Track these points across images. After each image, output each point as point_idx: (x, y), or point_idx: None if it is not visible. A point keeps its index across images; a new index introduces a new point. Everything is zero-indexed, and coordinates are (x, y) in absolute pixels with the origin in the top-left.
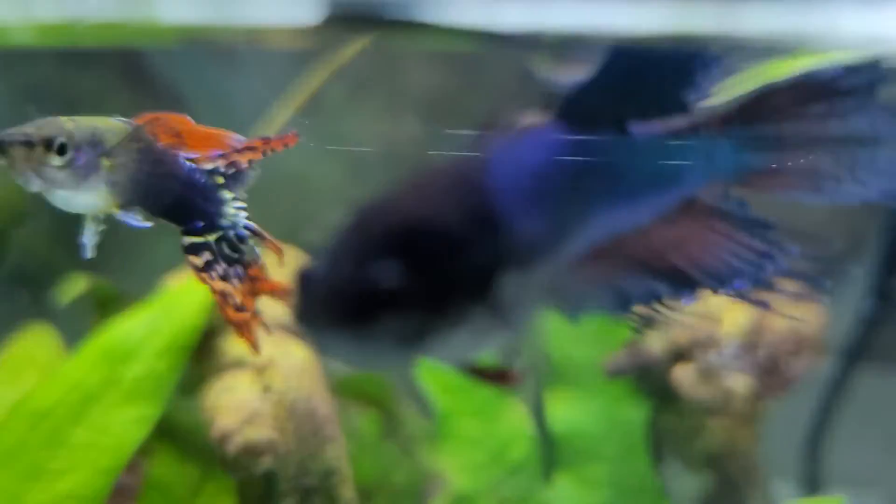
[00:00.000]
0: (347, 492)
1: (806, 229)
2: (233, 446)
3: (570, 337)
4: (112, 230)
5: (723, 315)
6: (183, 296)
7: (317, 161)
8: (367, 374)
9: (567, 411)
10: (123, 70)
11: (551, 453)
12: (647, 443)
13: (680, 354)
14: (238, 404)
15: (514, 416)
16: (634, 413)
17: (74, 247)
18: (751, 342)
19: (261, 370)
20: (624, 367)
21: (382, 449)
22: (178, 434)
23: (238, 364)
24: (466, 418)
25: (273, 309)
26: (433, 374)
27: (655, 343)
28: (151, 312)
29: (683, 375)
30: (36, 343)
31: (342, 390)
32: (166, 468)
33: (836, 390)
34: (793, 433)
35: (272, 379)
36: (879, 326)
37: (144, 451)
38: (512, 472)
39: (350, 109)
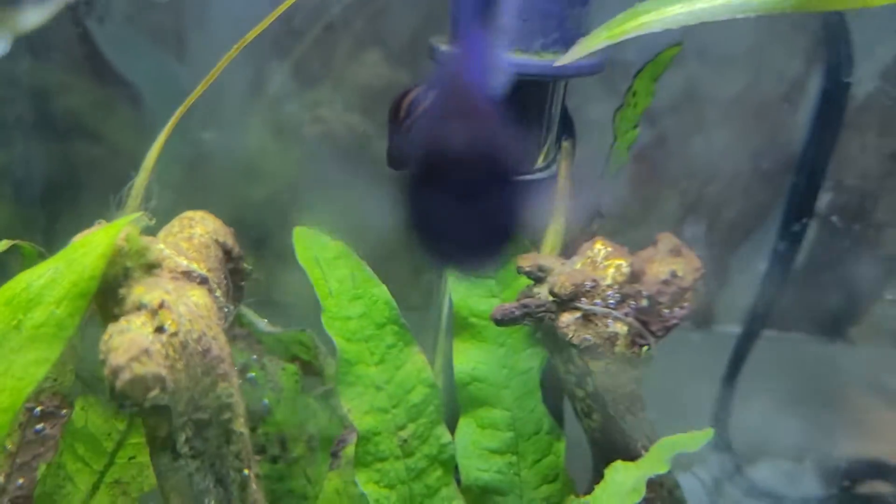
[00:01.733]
0: (240, 426)
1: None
2: (120, 381)
3: (472, 290)
4: None
5: (605, 265)
6: (83, 247)
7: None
8: (292, 334)
9: (470, 361)
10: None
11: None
12: (543, 388)
13: (566, 303)
14: (129, 343)
15: (414, 365)
16: (531, 361)
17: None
18: (632, 290)
19: (154, 312)
20: (511, 314)
21: (301, 401)
22: (102, 387)
23: (135, 309)
24: (370, 367)
25: (178, 255)
26: (338, 327)
27: (543, 293)
28: (53, 263)
29: (568, 322)
30: None
31: (268, 348)
32: (90, 420)
33: (739, 354)
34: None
35: (165, 320)
36: (779, 291)
37: (69, 403)
38: (412, 414)
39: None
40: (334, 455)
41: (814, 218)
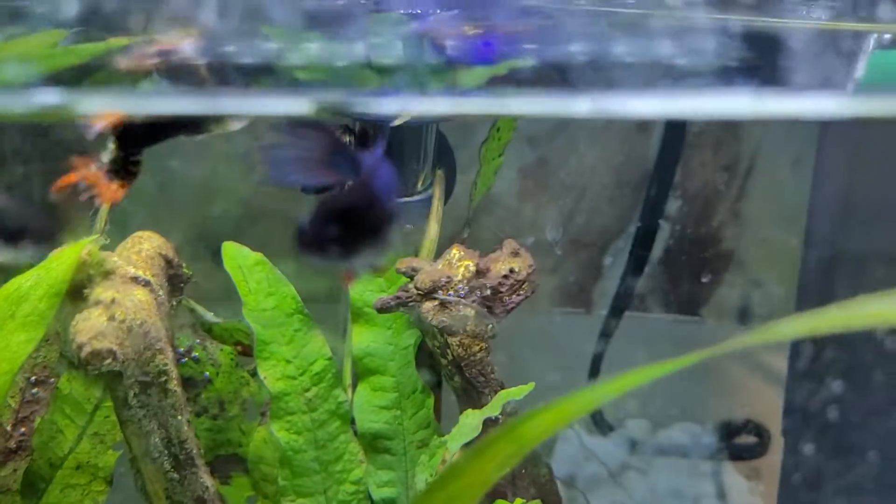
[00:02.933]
0: (174, 386)
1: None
2: (83, 352)
3: (367, 287)
4: None
5: (458, 265)
6: (57, 260)
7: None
8: (235, 324)
9: (364, 340)
10: None
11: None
12: (417, 360)
13: (426, 294)
14: (90, 327)
15: (315, 344)
16: (410, 340)
17: None
18: (478, 283)
19: (108, 306)
20: (388, 304)
21: (236, 374)
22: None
23: (95, 304)
24: (281, 346)
25: (127, 265)
26: (256, 316)
27: (411, 287)
28: (36, 271)
29: (428, 309)
30: None
31: (216, 335)
32: (74, 388)
33: (606, 332)
34: None
35: (116, 311)
36: (633, 282)
37: (56, 374)
38: (315, 380)
39: None
40: (262, 414)
41: (666, 220)
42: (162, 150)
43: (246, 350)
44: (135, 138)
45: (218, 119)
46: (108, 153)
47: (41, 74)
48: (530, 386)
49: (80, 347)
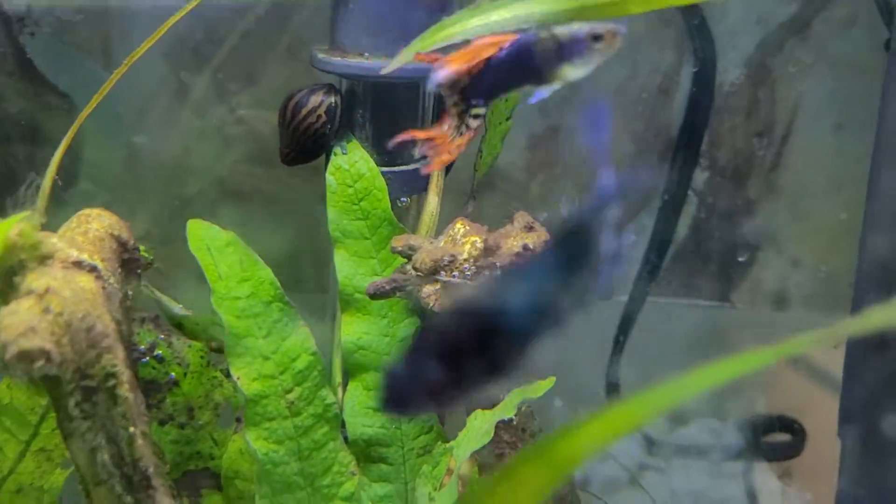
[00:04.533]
0: (125, 392)
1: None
2: (9, 354)
3: (357, 270)
4: None
5: (463, 242)
6: None
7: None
8: (208, 317)
9: (356, 332)
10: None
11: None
12: None
13: (427, 276)
14: (17, 322)
15: (298, 337)
16: (408, 330)
17: None
18: (486, 262)
19: (41, 296)
20: (383, 288)
21: (207, 374)
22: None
23: (26, 293)
24: (258, 339)
25: (70, 248)
26: (227, 306)
27: (409, 268)
28: None
29: (429, 293)
30: None
31: (187, 331)
32: (15, 396)
33: (626, 320)
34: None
35: (51, 302)
36: (657, 263)
37: None
38: (298, 379)
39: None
40: (238, 420)
41: (693, 193)
42: (128, 122)
43: (221, 347)
44: (480, 87)
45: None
46: (452, 104)
47: None
48: (550, 382)
49: (4, 347)
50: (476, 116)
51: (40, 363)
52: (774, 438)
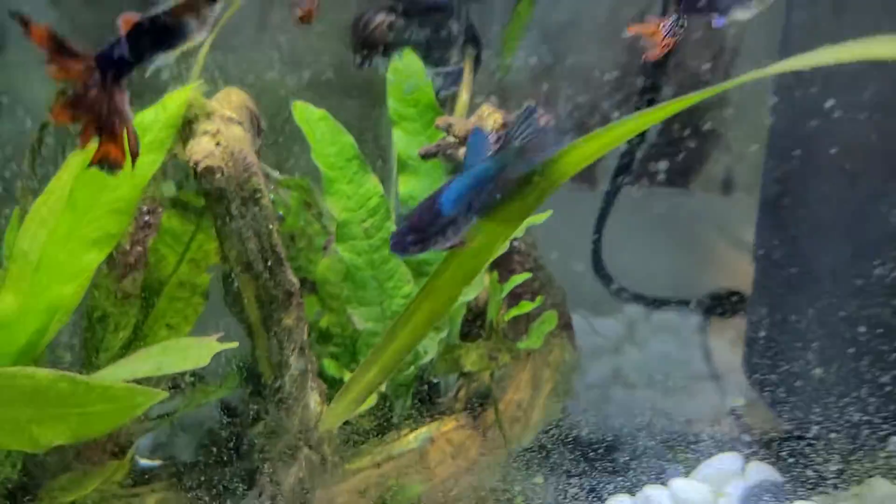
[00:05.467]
0: (266, 202)
1: None
2: (199, 167)
3: (410, 143)
4: None
5: (487, 118)
6: (171, 100)
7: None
8: (293, 179)
9: (409, 187)
10: None
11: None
12: None
13: (463, 140)
14: (203, 149)
15: (371, 184)
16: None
17: None
18: (502, 132)
19: (213, 135)
20: (431, 151)
21: (303, 214)
22: (178, 202)
23: (203, 133)
24: (343, 183)
25: (222, 109)
26: (322, 160)
27: (450, 138)
28: (155, 108)
29: (464, 152)
30: None
31: (283, 184)
32: (173, 223)
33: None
34: None
35: (220, 139)
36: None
37: (160, 211)
38: (370, 213)
39: None
40: (324, 248)
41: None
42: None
43: (308, 201)
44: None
45: None
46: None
47: None
48: (547, 213)
49: (196, 164)
50: (682, 27)
51: (217, 176)
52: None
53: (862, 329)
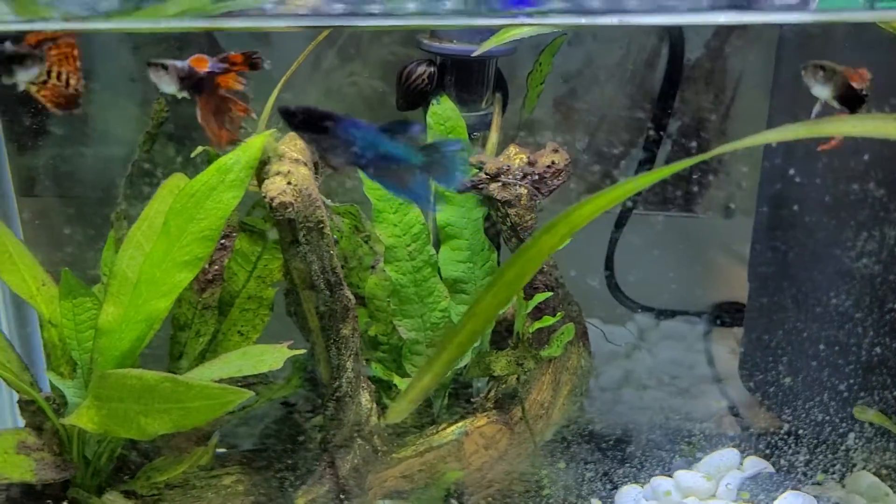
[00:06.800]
0: (328, 231)
1: None
2: (274, 203)
3: None
4: None
5: (515, 158)
6: (249, 146)
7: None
8: (347, 206)
9: (447, 216)
10: None
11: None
12: (484, 229)
13: (493, 178)
14: (276, 187)
15: (414, 213)
16: (478, 213)
17: None
18: (529, 170)
19: (285, 175)
20: (466, 186)
21: (354, 238)
22: (247, 227)
23: (276, 174)
24: (390, 213)
25: (290, 152)
26: (374, 191)
27: (481, 174)
28: (236, 152)
29: (495, 188)
30: None
31: (335, 210)
32: (243, 245)
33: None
34: None
35: (291, 178)
36: None
37: (236, 231)
38: (414, 238)
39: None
40: (372, 268)
41: (668, 136)
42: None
43: (358, 227)
44: None
45: None
46: None
47: None
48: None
49: (271, 199)
50: None
51: (288, 209)
52: (726, 313)
53: (840, 335)
